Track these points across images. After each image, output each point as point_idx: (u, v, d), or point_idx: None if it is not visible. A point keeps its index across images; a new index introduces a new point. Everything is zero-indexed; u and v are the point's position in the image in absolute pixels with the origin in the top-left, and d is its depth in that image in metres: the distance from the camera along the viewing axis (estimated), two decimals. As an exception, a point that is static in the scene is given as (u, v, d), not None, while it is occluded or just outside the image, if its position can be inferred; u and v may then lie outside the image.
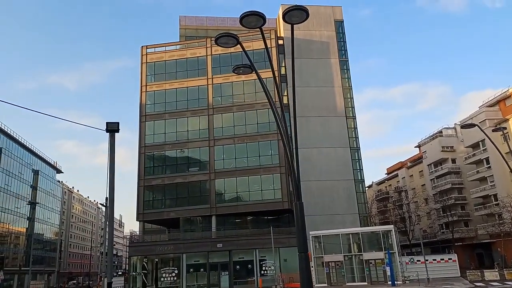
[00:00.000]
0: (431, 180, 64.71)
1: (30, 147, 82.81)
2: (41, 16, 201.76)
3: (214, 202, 40.67)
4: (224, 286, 37.25)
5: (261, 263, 37.85)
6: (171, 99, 44.38)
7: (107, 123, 13.32)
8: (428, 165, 65.70)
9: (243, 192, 41.18)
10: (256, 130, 42.27)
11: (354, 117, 47.40)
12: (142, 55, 46.30)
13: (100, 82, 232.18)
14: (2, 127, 71.48)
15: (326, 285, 32.78)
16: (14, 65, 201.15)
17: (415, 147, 73.97)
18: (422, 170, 68.29)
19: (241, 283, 37.06)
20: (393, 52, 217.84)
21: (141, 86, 45.25)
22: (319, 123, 44.47)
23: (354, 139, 46.58)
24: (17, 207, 74.41)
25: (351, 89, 48.62)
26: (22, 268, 64.42)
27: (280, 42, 46.48)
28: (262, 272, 37.46)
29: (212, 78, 44.55)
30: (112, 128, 13.25)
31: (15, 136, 76.35)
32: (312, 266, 33.75)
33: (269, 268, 37.37)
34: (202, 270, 38.39)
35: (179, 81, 44.84)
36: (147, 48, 46.56)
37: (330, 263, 33.72)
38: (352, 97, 48.34)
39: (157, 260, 32.47)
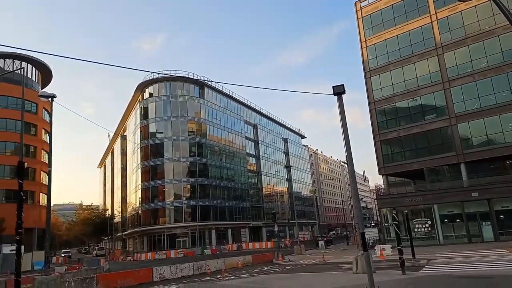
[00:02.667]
0: None
1: (278, 120, 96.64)
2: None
3: (461, 149, 37.04)
4: (487, 236, 33.92)
5: (533, 211, 32.41)
6: (393, 48, 42.38)
7: (333, 87, 14.31)
8: None
9: (495, 133, 35.71)
10: (501, 60, 35.46)
11: None
12: (356, 10, 45.81)
13: (323, 49, 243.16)
14: (255, 107, 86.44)
15: None
16: (247, 54, 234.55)
17: None
18: None
19: (508, 234, 32.80)
20: None
21: (361, 42, 44.97)
22: None
23: None
24: (277, 171, 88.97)
25: None
26: (290, 221, 76.78)
27: None
28: (537, 221, 32.14)
29: (436, 14, 39.79)
30: (339, 91, 14.17)
31: (265, 113, 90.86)
32: None
33: (547, 217, 31.67)
34: (458, 220, 36.13)
35: (399, 27, 42.21)
36: (360, 2, 45.75)
37: None
38: None
39: (406, 211, 32.69)
